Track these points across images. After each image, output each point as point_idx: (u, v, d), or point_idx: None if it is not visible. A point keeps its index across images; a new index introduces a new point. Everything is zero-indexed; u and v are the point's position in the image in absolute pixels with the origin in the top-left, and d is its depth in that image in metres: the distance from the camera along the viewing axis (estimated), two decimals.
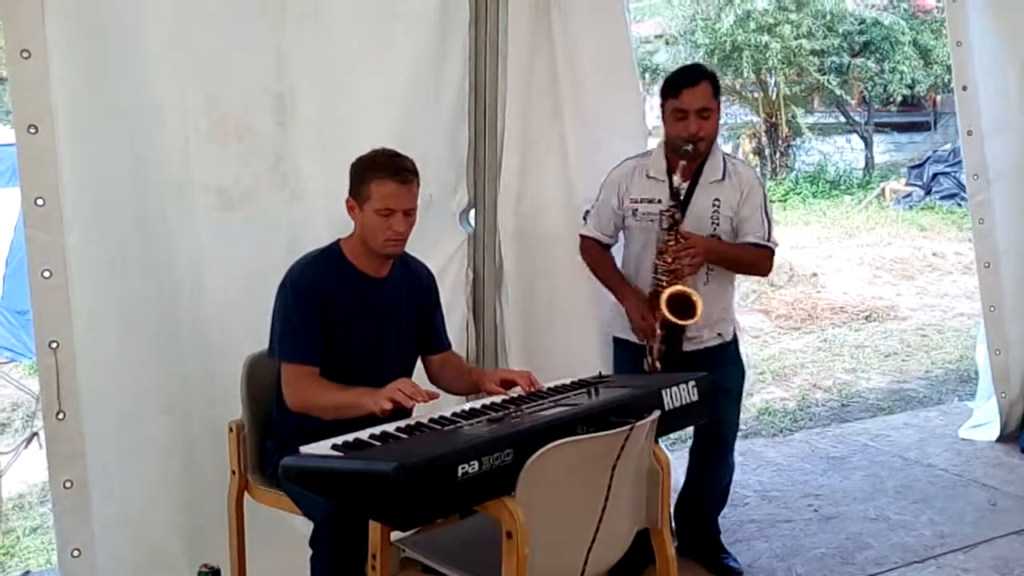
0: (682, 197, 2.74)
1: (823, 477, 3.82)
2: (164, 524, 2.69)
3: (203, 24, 2.60)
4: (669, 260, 2.68)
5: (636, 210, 2.82)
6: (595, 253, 2.94)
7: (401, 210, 2.26)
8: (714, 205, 2.77)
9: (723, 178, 2.79)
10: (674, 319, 2.66)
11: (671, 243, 2.68)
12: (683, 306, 2.67)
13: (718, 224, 2.78)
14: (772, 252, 2.83)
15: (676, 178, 2.72)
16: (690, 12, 13.76)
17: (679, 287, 2.68)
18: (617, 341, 2.97)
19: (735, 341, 2.96)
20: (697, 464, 3.05)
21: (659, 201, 2.77)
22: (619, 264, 2.96)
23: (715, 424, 2.87)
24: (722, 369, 2.84)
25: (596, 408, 2.05)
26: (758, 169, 12.36)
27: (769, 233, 2.81)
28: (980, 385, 4.37)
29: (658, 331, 2.72)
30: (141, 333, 2.62)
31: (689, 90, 2.70)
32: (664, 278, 2.70)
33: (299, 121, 2.76)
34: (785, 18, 13.20)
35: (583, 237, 2.96)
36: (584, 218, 2.96)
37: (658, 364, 2.75)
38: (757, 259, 2.83)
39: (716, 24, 13.34)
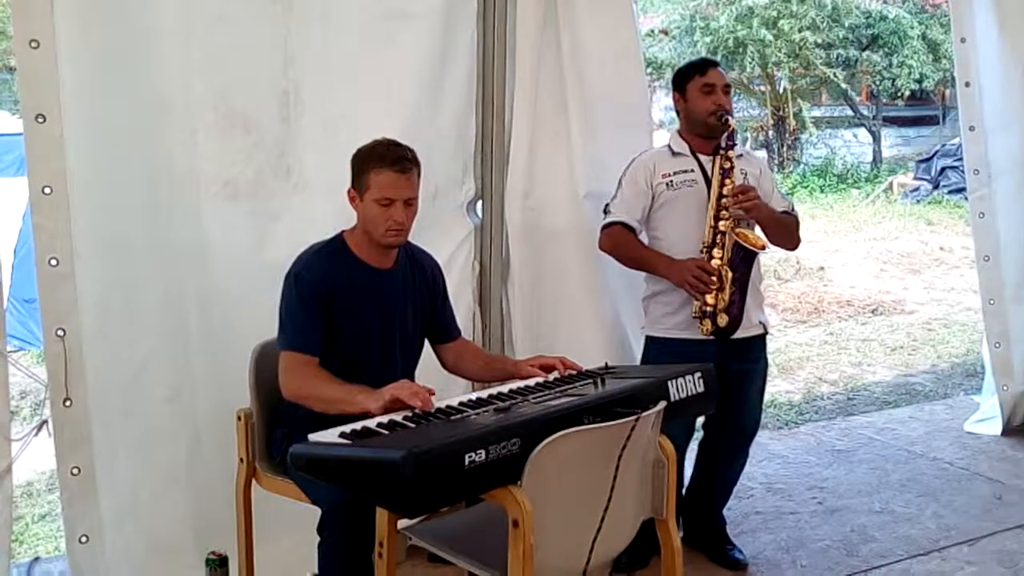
0: (710, 172, 2.80)
1: (828, 470, 3.83)
2: (172, 511, 2.70)
3: (211, 17, 2.60)
4: (729, 204, 2.70)
5: (671, 182, 2.82)
6: (623, 236, 2.83)
7: (401, 200, 2.25)
8: (743, 174, 2.82)
9: (741, 155, 2.88)
10: (748, 244, 2.69)
11: (730, 186, 2.72)
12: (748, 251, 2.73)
13: None
14: (799, 222, 2.95)
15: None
16: (690, 11, 13.71)
17: (743, 229, 2.72)
18: (654, 340, 2.91)
19: (766, 335, 2.97)
20: (712, 454, 3.05)
21: (692, 171, 2.81)
22: None
23: (741, 414, 2.92)
24: (758, 360, 2.91)
25: (602, 398, 2.06)
26: (765, 162, 12.32)
27: (792, 205, 2.96)
28: (986, 379, 4.36)
29: (728, 273, 2.69)
30: (147, 321, 2.63)
31: (713, 68, 2.86)
32: (724, 224, 2.72)
33: (305, 114, 2.76)
34: (788, 11, 13.14)
35: (607, 226, 2.85)
36: (605, 211, 2.89)
37: (722, 319, 2.71)
38: (793, 226, 2.92)
39: (714, 23, 13.30)
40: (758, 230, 2.86)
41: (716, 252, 2.72)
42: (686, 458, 3.01)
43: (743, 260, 2.72)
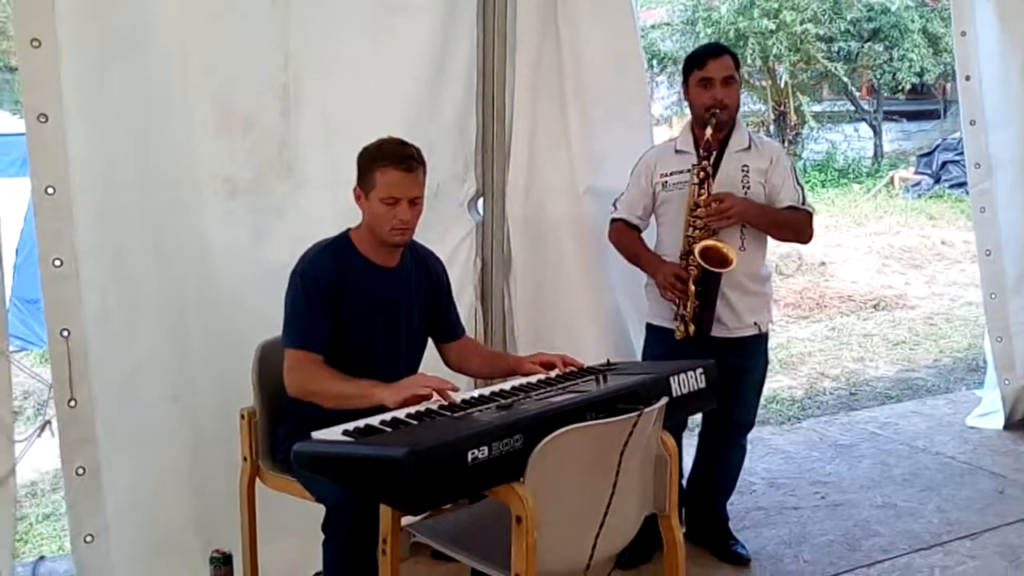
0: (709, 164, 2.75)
1: (831, 465, 3.83)
2: (176, 510, 2.71)
3: (210, 14, 2.61)
4: (702, 215, 2.69)
5: (667, 182, 2.84)
6: (623, 234, 2.91)
7: (406, 198, 2.26)
8: (743, 170, 2.80)
9: (749, 147, 2.84)
10: (708, 266, 2.66)
11: (704, 197, 2.69)
12: (717, 261, 2.68)
13: (748, 188, 2.79)
14: (810, 216, 2.87)
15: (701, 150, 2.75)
16: (692, 2, 13.73)
17: (712, 241, 2.69)
18: (650, 328, 2.95)
19: (767, 335, 2.94)
20: (709, 448, 3.05)
21: (688, 171, 2.79)
22: (655, 250, 2.92)
23: (736, 408, 2.90)
24: (754, 356, 2.90)
25: (604, 395, 2.06)
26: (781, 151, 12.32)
27: (804, 198, 2.85)
28: (988, 373, 4.37)
29: (692, 287, 2.69)
30: (150, 320, 2.64)
31: (713, 60, 2.80)
32: (696, 234, 2.70)
33: (304, 111, 2.77)
34: (790, 3, 13.15)
35: (612, 221, 2.94)
36: (614, 205, 2.94)
37: (691, 327, 2.72)
38: (796, 221, 2.84)
39: (716, 14, 13.31)
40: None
41: (690, 260, 2.71)
42: (683, 451, 3.01)
43: (706, 276, 2.69)
